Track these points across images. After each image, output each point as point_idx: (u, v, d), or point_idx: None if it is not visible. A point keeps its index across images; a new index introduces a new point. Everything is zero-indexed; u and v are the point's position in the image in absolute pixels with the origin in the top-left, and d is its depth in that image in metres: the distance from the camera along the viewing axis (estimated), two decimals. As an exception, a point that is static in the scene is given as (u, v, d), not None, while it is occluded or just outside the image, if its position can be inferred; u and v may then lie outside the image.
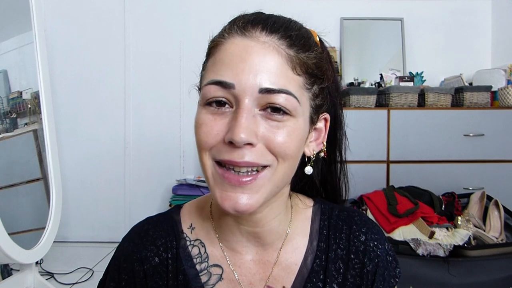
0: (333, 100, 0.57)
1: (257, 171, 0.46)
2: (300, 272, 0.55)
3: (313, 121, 0.52)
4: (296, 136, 0.47)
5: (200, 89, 0.52)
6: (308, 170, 0.54)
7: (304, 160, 0.54)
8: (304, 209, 0.59)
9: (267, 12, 0.52)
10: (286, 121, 0.46)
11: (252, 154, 0.45)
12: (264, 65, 0.45)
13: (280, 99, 0.45)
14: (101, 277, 0.59)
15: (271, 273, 0.54)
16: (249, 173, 0.46)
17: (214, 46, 0.49)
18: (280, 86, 0.45)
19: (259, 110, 0.46)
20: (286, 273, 0.55)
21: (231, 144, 0.44)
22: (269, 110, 0.46)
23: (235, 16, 0.51)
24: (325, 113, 0.55)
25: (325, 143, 0.56)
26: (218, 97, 0.46)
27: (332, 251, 0.55)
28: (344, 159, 0.62)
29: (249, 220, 0.53)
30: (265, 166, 0.46)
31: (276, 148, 0.46)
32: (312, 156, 0.54)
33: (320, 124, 0.55)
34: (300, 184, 0.61)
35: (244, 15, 0.50)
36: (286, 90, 0.45)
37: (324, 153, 0.56)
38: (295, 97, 0.46)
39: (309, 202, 0.61)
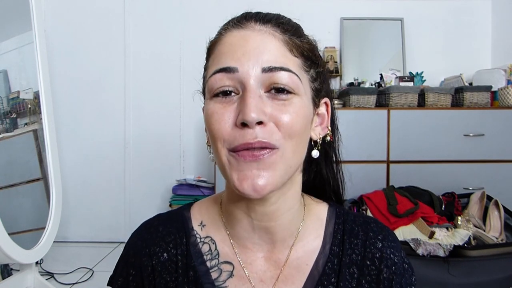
0: (328, 89, 0.58)
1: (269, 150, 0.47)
2: (311, 274, 0.54)
3: (315, 104, 0.54)
4: (302, 114, 0.49)
5: (204, 89, 0.53)
6: (315, 154, 0.54)
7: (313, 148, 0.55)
8: (317, 209, 0.59)
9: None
10: (291, 99, 0.48)
11: (264, 133, 0.46)
12: (264, 47, 0.47)
13: (283, 78, 0.47)
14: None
15: (282, 271, 0.54)
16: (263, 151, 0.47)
17: (212, 45, 0.52)
18: (281, 64, 0.47)
19: (264, 91, 0.47)
20: (296, 272, 0.54)
21: (243, 126, 0.45)
22: (273, 91, 0.47)
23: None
24: (325, 97, 0.56)
25: (329, 127, 0.57)
26: (224, 87, 0.47)
27: (346, 255, 0.55)
28: (339, 159, 0.62)
29: (263, 213, 0.53)
30: (275, 149, 0.47)
31: (284, 125, 0.47)
32: (318, 140, 0.55)
33: (322, 109, 0.56)
34: (308, 186, 0.61)
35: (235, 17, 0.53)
36: (287, 68, 0.47)
37: (330, 137, 0.57)
38: (296, 74, 0.48)
39: (321, 203, 0.61)
